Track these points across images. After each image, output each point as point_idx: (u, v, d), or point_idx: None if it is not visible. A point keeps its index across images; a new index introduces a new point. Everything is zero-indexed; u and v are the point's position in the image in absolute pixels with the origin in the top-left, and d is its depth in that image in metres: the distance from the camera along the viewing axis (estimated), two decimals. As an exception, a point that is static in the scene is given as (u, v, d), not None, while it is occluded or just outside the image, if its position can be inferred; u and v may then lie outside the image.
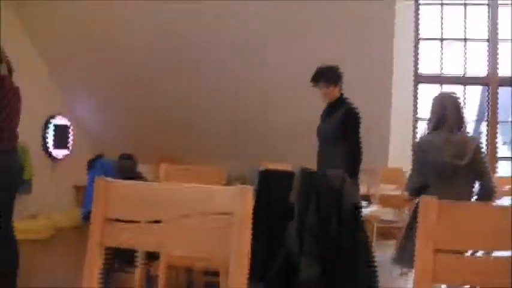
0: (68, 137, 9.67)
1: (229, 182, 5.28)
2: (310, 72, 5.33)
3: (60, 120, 9.46)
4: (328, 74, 5.30)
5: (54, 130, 9.33)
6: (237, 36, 8.17)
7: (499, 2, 9.27)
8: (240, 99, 8.63)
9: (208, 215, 1.61)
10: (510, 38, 9.19)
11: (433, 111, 4.52)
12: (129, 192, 1.73)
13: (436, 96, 4.69)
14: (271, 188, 3.67)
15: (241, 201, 1.55)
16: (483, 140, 7.82)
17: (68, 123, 9.65)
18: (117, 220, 1.71)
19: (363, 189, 5.72)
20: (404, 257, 4.25)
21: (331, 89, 5.30)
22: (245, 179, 6.16)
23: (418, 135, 4.69)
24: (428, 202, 1.43)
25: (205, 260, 3.49)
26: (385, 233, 6.68)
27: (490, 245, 1.48)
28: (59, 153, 9.46)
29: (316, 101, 5.45)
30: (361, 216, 3.71)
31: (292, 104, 8.25)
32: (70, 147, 9.70)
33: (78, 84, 9.35)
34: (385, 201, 6.16)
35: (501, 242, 1.44)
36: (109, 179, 1.73)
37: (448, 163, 4.10)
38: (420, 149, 4.36)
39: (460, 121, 4.42)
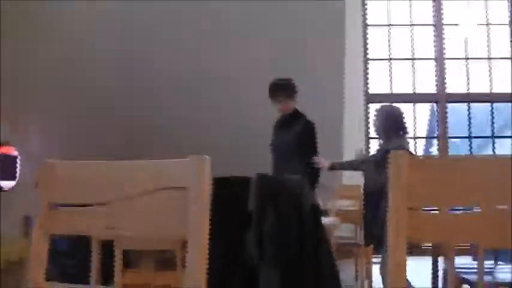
0: (16, 167, 9.37)
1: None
2: (260, 89, 5.34)
3: (6, 150, 9.17)
4: (285, 87, 5.29)
5: (1, 161, 9.03)
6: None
7: (443, 21, 9.42)
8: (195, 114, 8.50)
9: (160, 192, 1.48)
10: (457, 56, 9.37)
11: (387, 121, 4.82)
12: (75, 173, 1.60)
13: (384, 108, 5.06)
14: (226, 196, 3.56)
15: (196, 173, 1.43)
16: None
17: (16, 153, 9.37)
18: (64, 205, 1.58)
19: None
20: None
21: (288, 101, 5.29)
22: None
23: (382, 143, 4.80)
24: (399, 157, 1.34)
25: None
26: (342, 251, 6.60)
27: (465, 200, 1.40)
28: (6, 184, 9.15)
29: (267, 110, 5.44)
30: (322, 219, 3.65)
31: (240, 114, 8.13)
32: (17, 178, 9.39)
33: (26, 113, 9.10)
34: (342, 216, 6.09)
35: (476, 196, 1.37)
36: (54, 160, 1.60)
37: None
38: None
39: (406, 131, 4.81)
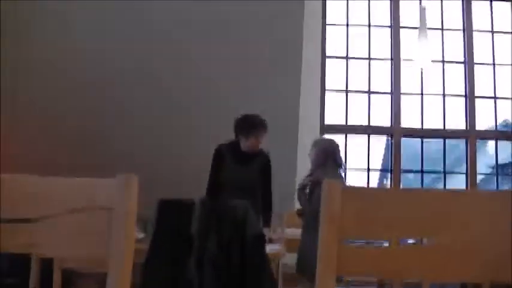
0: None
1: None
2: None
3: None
4: (266, 127, 5.35)
5: None
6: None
7: (402, 58, 9.53)
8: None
9: (84, 211, 1.40)
10: (411, 92, 9.49)
11: (322, 153, 5.11)
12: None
13: (322, 140, 5.57)
14: (169, 219, 3.49)
15: (123, 193, 1.36)
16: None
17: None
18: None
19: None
20: None
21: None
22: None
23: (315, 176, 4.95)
24: (331, 186, 1.29)
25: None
26: (288, 279, 6.54)
27: (398, 233, 1.35)
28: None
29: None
30: (265, 247, 3.59)
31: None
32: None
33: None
34: (290, 244, 6.05)
35: (410, 228, 1.32)
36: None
37: None
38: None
39: (342, 163, 5.13)
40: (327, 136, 9.04)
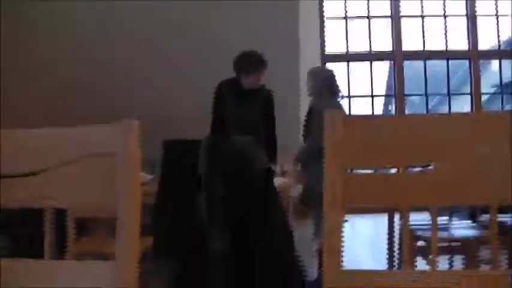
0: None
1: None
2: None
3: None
4: (265, 63, 5.22)
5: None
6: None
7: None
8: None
9: (88, 159, 1.39)
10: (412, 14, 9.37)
11: (321, 82, 5.05)
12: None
13: (318, 69, 5.51)
14: (176, 159, 3.50)
15: (124, 138, 1.35)
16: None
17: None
18: None
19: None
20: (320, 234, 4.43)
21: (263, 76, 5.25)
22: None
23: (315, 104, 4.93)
24: (332, 116, 1.28)
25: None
26: (299, 211, 6.59)
27: (402, 160, 1.34)
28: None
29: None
30: (273, 180, 3.61)
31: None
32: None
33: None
34: (299, 177, 6.08)
35: (414, 155, 1.31)
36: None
37: None
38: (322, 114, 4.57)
39: (340, 91, 5.10)
40: (327, 65, 9.02)
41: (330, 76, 5.07)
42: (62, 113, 7.89)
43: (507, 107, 10.43)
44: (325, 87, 4.95)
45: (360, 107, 9.84)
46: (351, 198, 1.27)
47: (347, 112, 5.34)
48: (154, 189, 3.73)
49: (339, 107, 4.93)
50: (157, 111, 7.73)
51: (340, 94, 5.12)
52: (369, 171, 1.51)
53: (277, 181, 3.78)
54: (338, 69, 9.38)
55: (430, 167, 1.39)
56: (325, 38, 9.41)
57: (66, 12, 8.23)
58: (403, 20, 9.41)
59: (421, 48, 9.49)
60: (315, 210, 4.84)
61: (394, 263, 4.86)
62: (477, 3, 9.44)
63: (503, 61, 9.73)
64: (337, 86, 5.04)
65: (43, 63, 8.25)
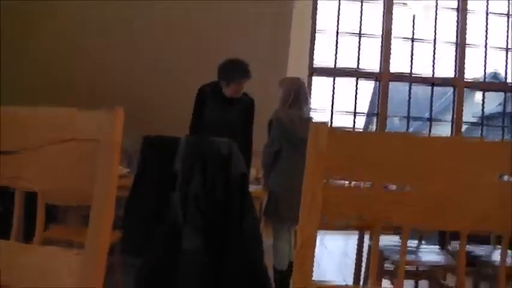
0: None
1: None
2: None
3: None
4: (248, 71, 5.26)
5: None
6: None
7: (394, 1, 9.45)
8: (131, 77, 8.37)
9: (70, 142, 1.38)
10: (402, 36, 9.44)
11: (287, 91, 5.03)
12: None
13: (287, 79, 5.42)
14: (155, 155, 3.48)
15: (108, 126, 1.33)
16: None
17: None
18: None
19: (252, 173, 5.71)
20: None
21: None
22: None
23: (275, 111, 4.96)
24: (318, 127, 1.28)
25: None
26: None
27: (383, 177, 1.35)
28: None
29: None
30: (248, 184, 3.61)
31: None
32: None
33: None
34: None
35: (395, 173, 1.32)
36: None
37: (301, 136, 4.38)
38: (281, 121, 4.88)
39: (307, 101, 5.12)
40: (316, 77, 9.06)
41: (297, 86, 5.06)
42: (63, 95, 7.89)
43: (486, 138, 10.49)
44: (292, 97, 4.97)
45: (341, 123, 9.87)
46: (328, 208, 1.28)
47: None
48: (130, 183, 3.71)
49: (302, 117, 4.93)
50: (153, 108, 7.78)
51: (307, 105, 5.11)
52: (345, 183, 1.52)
53: (251, 187, 3.77)
54: (324, 83, 9.45)
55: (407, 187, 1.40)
56: (314, 51, 9.45)
57: (65, 12, 8.20)
58: (393, 41, 9.47)
59: (408, 71, 9.56)
60: (275, 224, 4.86)
61: (359, 282, 4.88)
62: (467, 33, 9.53)
63: (486, 93, 9.85)
64: (303, 97, 5.03)
65: (43, 63, 8.20)
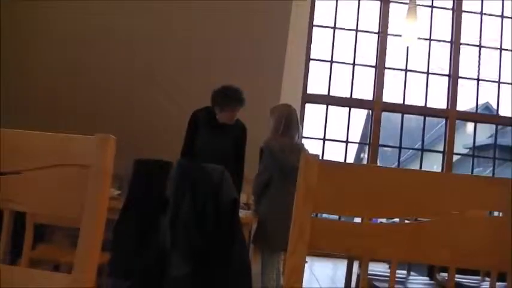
0: None
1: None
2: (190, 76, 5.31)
3: None
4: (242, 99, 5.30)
5: None
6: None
7: (388, 32, 9.54)
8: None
9: (61, 167, 1.39)
10: (396, 67, 9.51)
11: (278, 119, 5.01)
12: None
13: (278, 107, 5.28)
14: (146, 178, 3.48)
15: (100, 152, 1.35)
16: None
17: None
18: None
19: (243, 198, 5.71)
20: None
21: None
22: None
23: (266, 139, 4.95)
24: (309, 160, 1.29)
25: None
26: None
27: (374, 211, 1.36)
28: None
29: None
30: (238, 213, 3.60)
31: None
32: None
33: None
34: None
35: (385, 207, 1.32)
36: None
37: (292, 164, 4.35)
38: (272, 150, 4.87)
39: (298, 129, 5.08)
40: (309, 105, 9.07)
41: (288, 114, 5.05)
42: (61, 113, 7.89)
43: (477, 170, 10.56)
44: (283, 125, 4.96)
45: (333, 152, 9.89)
46: (316, 242, 1.28)
47: (310, 151, 5.32)
48: (120, 205, 3.71)
49: (293, 144, 4.93)
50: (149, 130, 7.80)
51: (299, 132, 5.10)
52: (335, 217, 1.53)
53: (240, 212, 3.77)
54: (316, 111, 9.48)
55: (396, 220, 1.41)
56: (308, 79, 9.50)
57: (66, 12, 8.22)
58: (386, 71, 9.54)
59: (401, 101, 9.62)
60: (264, 252, 4.85)
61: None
62: (460, 66, 9.62)
63: (478, 124, 9.91)
64: (294, 124, 5.01)
65: (43, 63, 8.20)
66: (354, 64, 9.59)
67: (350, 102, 9.53)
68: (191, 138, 5.34)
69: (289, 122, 4.95)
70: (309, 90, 9.49)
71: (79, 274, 1.32)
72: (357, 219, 1.72)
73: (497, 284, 3.60)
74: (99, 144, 1.35)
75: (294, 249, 1.27)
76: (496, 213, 1.46)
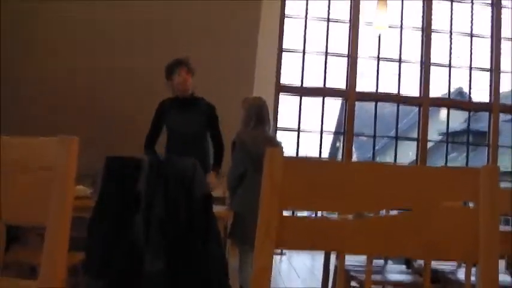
0: None
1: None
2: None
3: None
4: (189, 63, 5.37)
5: None
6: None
7: (360, 21, 9.54)
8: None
9: (24, 171, 1.36)
10: (368, 56, 9.53)
11: (249, 112, 5.03)
12: None
13: (248, 99, 5.32)
14: (116, 176, 3.43)
15: (63, 153, 1.32)
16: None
17: None
18: None
19: (220, 192, 5.69)
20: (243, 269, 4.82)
21: (191, 78, 5.35)
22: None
23: (238, 132, 4.97)
24: (273, 155, 1.26)
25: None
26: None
27: (340, 206, 1.33)
28: None
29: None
30: (212, 206, 3.57)
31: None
32: None
33: None
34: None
35: (353, 202, 1.30)
36: None
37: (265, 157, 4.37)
38: (244, 143, 4.88)
39: (270, 121, 5.14)
40: (283, 95, 9.06)
41: (259, 106, 5.04)
42: (62, 113, 7.80)
43: (452, 155, 10.63)
44: (254, 118, 4.96)
45: (308, 142, 9.90)
46: (284, 239, 1.25)
47: (282, 143, 5.38)
48: (92, 203, 3.66)
49: (265, 137, 4.92)
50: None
51: (270, 124, 5.11)
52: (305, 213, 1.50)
53: (215, 208, 3.73)
54: (290, 101, 9.48)
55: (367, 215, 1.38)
56: (281, 69, 9.48)
57: (65, 12, 8.13)
58: (359, 60, 9.55)
59: (374, 90, 9.64)
60: (241, 246, 4.84)
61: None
62: (432, 53, 9.67)
63: (451, 110, 9.97)
64: (265, 117, 5.01)
65: (43, 64, 8.11)
66: (326, 54, 9.59)
67: (324, 92, 9.53)
68: (156, 123, 5.41)
69: (260, 115, 4.95)
70: (282, 81, 9.46)
71: (46, 276, 1.30)
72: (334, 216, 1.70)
73: (473, 269, 3.60)
74: (61, 146, 1.33)
75: (261, 248, 1.24)
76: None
